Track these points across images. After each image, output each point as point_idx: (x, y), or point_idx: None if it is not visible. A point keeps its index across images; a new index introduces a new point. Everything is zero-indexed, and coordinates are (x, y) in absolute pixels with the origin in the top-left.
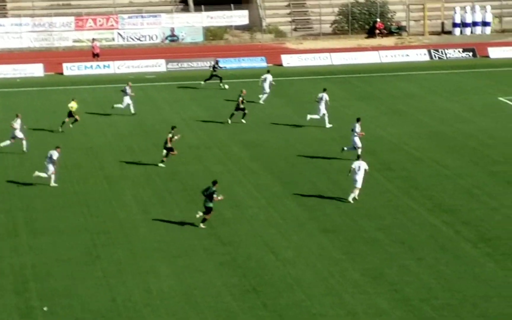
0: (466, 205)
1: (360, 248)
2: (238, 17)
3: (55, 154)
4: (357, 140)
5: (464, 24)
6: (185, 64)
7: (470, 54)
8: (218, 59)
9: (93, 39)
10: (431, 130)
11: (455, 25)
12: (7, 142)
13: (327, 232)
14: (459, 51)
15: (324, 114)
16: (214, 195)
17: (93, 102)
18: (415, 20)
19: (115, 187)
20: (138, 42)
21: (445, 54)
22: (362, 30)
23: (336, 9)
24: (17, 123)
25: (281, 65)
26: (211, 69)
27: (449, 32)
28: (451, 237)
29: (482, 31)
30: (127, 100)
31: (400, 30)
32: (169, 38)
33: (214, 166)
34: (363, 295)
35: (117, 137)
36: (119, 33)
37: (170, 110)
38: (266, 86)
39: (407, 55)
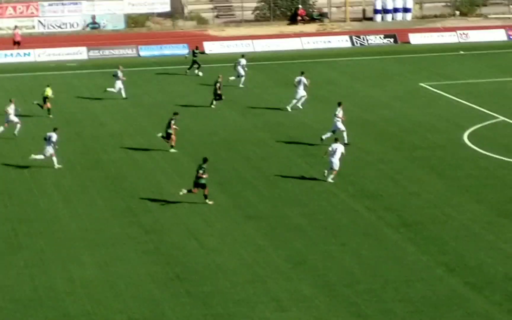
0: (388, 190)
1: (284, 234)
2: (160, 4)
3: (54, 136)
4: (339, 124)
5: (385, 11)
6: (106, 52)
7: (391, 40)
8: (197, 45)
9: (15, 27)
10: (353, 116)
11: (376, 11)
12: (1, 129)
13: (250, 219)
14: (380, 37)
15: (302, 97)
16: (200, 171)
17: (13, 90)
18: (336, 7)
19: (37, 176)
20: (59, 29)
21: (367, 40)
22: (284, 17)
23: None
24: (11, 108)
25: (203, 52)
26: (191, 55)
27: (371, 19)
28: (374, 223)
29: (403, 17)
30: (119, 84)
31: (322, 16)
32: (90, 26)
33: (137, 154)
34: (287, 281)
35: (38, 126)
36: (39, 21)
37: (91, 98)
38: (241, 69)
39: (329, 41)
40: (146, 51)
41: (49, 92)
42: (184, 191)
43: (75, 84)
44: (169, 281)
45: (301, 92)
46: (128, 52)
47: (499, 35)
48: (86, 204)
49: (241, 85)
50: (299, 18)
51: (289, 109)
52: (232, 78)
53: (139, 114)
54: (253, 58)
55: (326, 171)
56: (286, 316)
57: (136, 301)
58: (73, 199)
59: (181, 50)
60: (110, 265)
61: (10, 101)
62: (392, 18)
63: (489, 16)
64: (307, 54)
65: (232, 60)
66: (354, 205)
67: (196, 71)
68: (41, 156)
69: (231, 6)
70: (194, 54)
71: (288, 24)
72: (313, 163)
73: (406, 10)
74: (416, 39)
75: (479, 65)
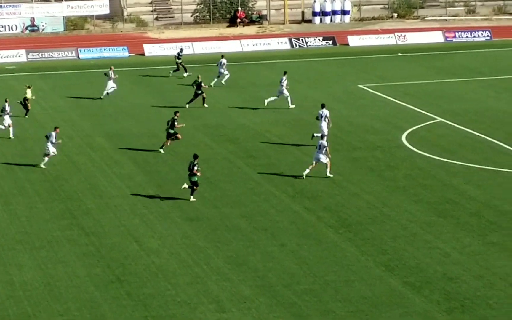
0: (328, 191)
1: (224, 235)
2: (99, 6)
3: (53, 136)
4: (284, 90)
5: (324, 13)
6: (46, 54)
7: (330, 42)
8: (182, 47)
9: None
10: (293, 117)
11: (315, 13)
12: (2, 127)
13: (191, 221)
14: (319, 40)
15: (287, 96)
16: (195, 168)
17: None
18: (275, 9)
19: None
20: None
21: (306, 42)
22: (224, 19)
23: None
24: (7, 107)
25: (143, 54)
26: (176, 58)
27: (309, 21)
28: (313, 223)
29: (341, 20)
30: (110, 83)
31: (261, 19)
32: (29, 28)
33: (77, 156)
34: (227, 282)
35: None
36: None
37: (30, 100)
38: (222, 69)
39: (269, 43)
40: (86, 54)
41: (28, 93)
42: (185, 185)
43: (15, 86)
44: (109, 283)
45: (285, 91)
46: (67, 54)
47: (436, 37)
48: (25, 207)
49: (223, 82)
50: (238, 20)
51: (266, 103)
52: (215, 80)
53: (78, 116)
54: (193, 60)
55: (308, 170)
56: (227, 317)
57: (76, 303)
58: (12, 202)
59: (121, 52)
60: (50, 268)
61: (6, 101)
62: (331, 20)
63: (427, 18)
64: (246, 56)
65: (172, 63)
66: (294, 206)
67: (185, 74)
68: (45, 159)
69: (171, 8)
70: (178, 57)
71: (228, 27)
72: (253, 165)
73: (344, 12)
74: (354, 41)
75: (417, 66)
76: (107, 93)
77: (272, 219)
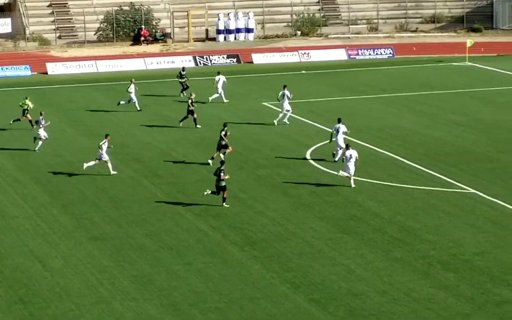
0: (233, 209)
1: (129, 255)
2: (1, 25)
3: (105, 143)
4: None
5: (228, 31)
6: None
7: (234, 60)
8: (183, 66)
9: None
10: (198, 136)
11: (219, 31)
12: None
13: (95, 240)
14: (223, 57)
15: (288, 110)
16: (221, 174)
17: None
18: (179, 27)
19: None
20: None
21: (210, 60)
22: (127, 38)
23: (101, 17)
24: (42, 122)
25: (46, 73)
26: (178, 77)
27: (214, 39)
28: (219, 241)
29: (245, 38)
30: (132, 96)
31: (165, 37)
32: None
33: None
34: (132, 302)
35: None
36: None
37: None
38: (220, 86)
39: (173, 61)
40: None
41: (29, 103)
42: (208, 191)
43: None
44: (12, 304)
45: (286, 106)
46: None
47: (339, 55)
48: None
49: (225, 101)
50: (142, 38)
51: (275, 123)
52: (215, 96)
53: None
54: (96, 78)
55: (344, 176)
56: None
57: None
58: None
59: (23, 71)
60: None
61: (41, 114)
62: (235, 38)
63: (330, 36)
64: (150, 75)
65: (75, 81)
66: (199, 224)
67: (182, 93)
68: (92, 162)
69: (74, 26)
70: (181, 76)
71: (131, 45)
72: (158, 183)
73: (248, 30)
74: (258, 59)
75: (321, 84)
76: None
77: (177, 238)
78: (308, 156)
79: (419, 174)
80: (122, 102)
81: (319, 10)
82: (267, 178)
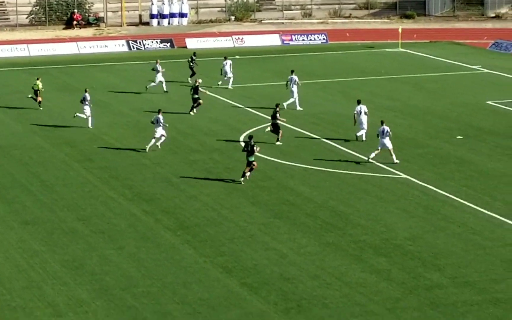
0: (166, 193)
1: (60, 239)
2: None
3: (161, 118)
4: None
5: (161, 15)
6: None
7: (168, 45)
8: (195, 52)
9: None
10: (131, 120)
11: (152, 16)
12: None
13: (26, 225)
14: (157, 42)
15: (296, 98)
16: (254, 148)
17: None
18: (113, 11)
19: None
20: None
21: (144, 45)
22: (60, 21)
23: (33, 0)
24: (87, 97)
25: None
26: (189, 62)
27: (147, 23)
28: (151, 226)
29: (179, 22)
30: (159, 77)
31: (98, 21)
32: None
33: None
34: (64, 286)
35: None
36: None
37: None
38: (228, 70)
39: (106, 46)
40: None
41: (39, 85)
42: (242, 179)
43: None
44: None
45: (295, 92)
46: None
47: (273, 40)
48: None
49: (230, 87)
50: (75, 22)
51: (285, 106)
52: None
53: None
54: (28, 62)
55: (375, 155)
56: None
57: None
58: None
59: None
60: None
61: (86, 90)
62: (169, 23)
63: (264, 22)
64: (84, 59)
65: (7, 64)
66: (132, 208)
67: (190, 79)
68: (153, 141)
69: (5, 10)
70: (192, 61)
71: (64, 29)
72: (90, 168)
73: (182, 15)
74: (192, 43)
75: (255, 69)
76: (157, 85)
77: (109, 222)
78: (241, 141)
79: (352, 159)
80: (152, 84)
81: None
82: (201, 163)
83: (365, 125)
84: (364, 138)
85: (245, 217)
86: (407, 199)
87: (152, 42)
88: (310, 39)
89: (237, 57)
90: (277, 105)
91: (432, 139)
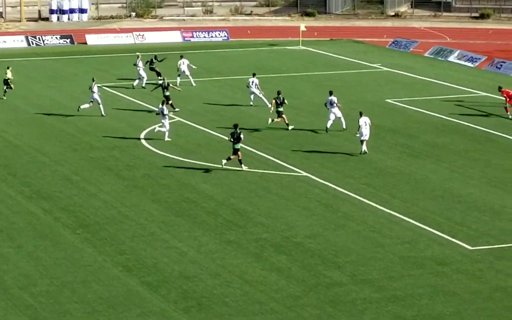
0: (65, 191)
1: None
2: None
3: (165, 109)
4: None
5: (61, 11)
6: None
7: (68, 40)
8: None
9: None
10: (29, 117)
11: (52, 11)
12: (87, 105)
13: None
14: (56, 38)
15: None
16: (241, 136)
17: None
18: (11, 7)
19: None
20: None
21: (43, 41)
22: None
23: None
24: (95, 87)
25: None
26: (150, 65)
27: (47, 19)
28: (51, 224)
29: (79, 18)
30: (142, 73)
31: None
32: None
33: None
34: None
35: None
36: None
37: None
38: (186, 69)
39: (4, 41)
40: None
41: (9, 74)
42: (224, 161)
43: None
44: None
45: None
46: None
47: (174, 37)
48: None
49: (193, 84)
50: None
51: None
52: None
53: None
54: None
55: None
56: None
57: None
58: None
59: None
60: None
61: (93, 80)
62: (69, 19)
63: (165, 18)
64: None
65: None
66: (31, 207)
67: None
68: (163, 129)
69: None
70: (151, 63)
71: None
72: None
73: (82, 11)
74: (92, 40)
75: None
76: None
77: (8, 221)
78: (142, 139)
79: (253, 157)
80: (137, 82)
81: None
82: (101, 160)
83: (338, 114)
84: (328, 126)
85: (146, 215)
86: (307, 197)
87: (52, 38)
88: (212, 36)
89: (138, 53)
90: (278, 93)
91: (333, 137)
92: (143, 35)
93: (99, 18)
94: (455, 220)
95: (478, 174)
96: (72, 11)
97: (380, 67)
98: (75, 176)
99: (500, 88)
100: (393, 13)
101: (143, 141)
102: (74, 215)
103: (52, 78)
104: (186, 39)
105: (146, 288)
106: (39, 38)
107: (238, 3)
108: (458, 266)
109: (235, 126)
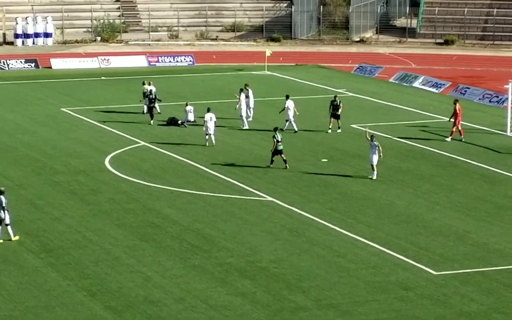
0: (29, 216)
1: None
2: None
3: (213, 116)
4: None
5: (26, 35)
6: None
7: (33, 65)
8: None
9: None
10: None
11: (17, 35)
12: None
13: None
14: (21, 62)
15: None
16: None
17: None
18: None
19: None
20: None
21: (7, 65)
22: None
23: None
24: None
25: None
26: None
27: (12, 43)
28: (14, 248)
29: (44, 42)
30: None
31: None
32: None
33: None
34: None
35: None
36: None
37: None
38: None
39: None
40: None
41: None
42: (270, 164)
43: None
44: None
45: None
46: None
47: (140, 61)
48: None
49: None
50: None
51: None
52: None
53: None
54: None
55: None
56: None
57: None
58: None
59: None
60: None
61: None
62: (34, 43)
63: (130, 43)
64: None
65: None
66: None
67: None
68: (212, 137)
69: None
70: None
71: None
72: None
73: (47, 35)
74: (57, 64)
75: (120, 90)
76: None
77: None
78: (107, 163)
79: (218, 182)
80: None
81: (119, 16)
82: (65, 184)
83: (290, 117)
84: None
85: (110, 240)
86: (272, 222)
87: (17, 62)
88: (177, 61)
89: (103, 78)
90: (335, 96)
91: (298, 161)
92: (108, 59)
93: (64, 42)
94: (420, 245)
95: (442, 199)
96: (37, 35)
97: (345, 92)
98: (39, 200)
99: (455, 101)
100: (358, 39)
101: (108, 166)
102: (38, 240)
103: (16, 102)
104: (151, 63)
105: (111, 312)
106: (3, 62)
107: (203, 28)
108: (422, 291)
109: (275, 129)
